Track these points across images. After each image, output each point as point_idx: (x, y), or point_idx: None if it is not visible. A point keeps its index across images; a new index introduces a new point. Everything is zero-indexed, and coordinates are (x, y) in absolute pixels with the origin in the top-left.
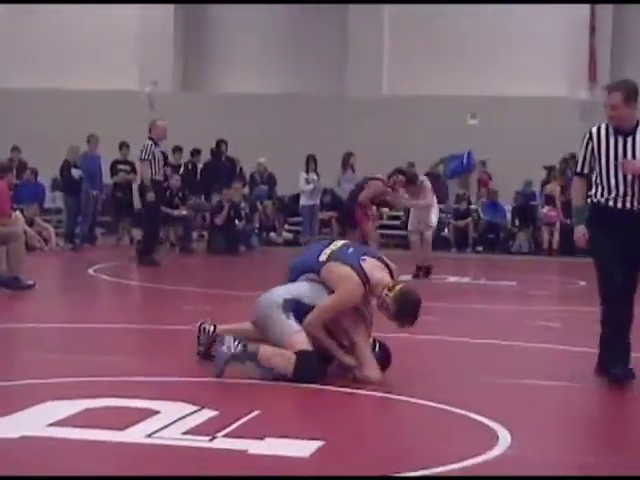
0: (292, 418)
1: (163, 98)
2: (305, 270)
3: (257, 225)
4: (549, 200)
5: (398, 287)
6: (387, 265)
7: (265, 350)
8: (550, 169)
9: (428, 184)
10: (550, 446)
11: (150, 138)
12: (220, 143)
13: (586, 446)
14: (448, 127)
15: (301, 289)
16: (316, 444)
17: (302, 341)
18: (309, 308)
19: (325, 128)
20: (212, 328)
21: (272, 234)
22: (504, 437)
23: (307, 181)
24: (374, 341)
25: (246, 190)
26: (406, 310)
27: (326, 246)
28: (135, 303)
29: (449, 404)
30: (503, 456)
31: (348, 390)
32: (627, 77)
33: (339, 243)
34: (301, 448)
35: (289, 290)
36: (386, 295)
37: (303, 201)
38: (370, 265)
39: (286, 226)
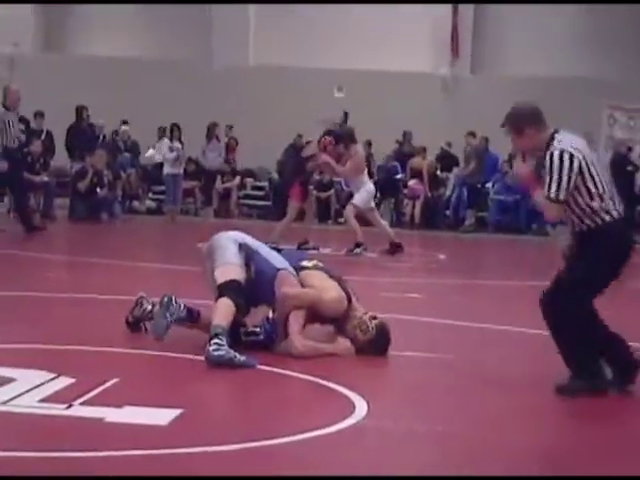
0: (152, 386)
1: (24, 59)
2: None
3: (120, 193)
4: (415, 173)
5: (380, 319)
6: (353, 290)
7: (219, 319)
8: (401, 144)
9: (358, 157)
10: (405, 416)
11: (2, 104)
12: (81, 109)
13: (441, 415)
14: (315, 99)
15: (262, 246)
16: (175, 412)
17: (234, 273)
18: (262, 262)
19: (191, 97)
20: (150, 307)
21: (135, 202)
22: (361, 407)
23: (171, 149)
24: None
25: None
26: (383, 342)
27: (307, 257)
28: None
29: (308, 374)
30: (357, 425)
31: None
32: (486, 56)
33: (320, 263)
34: (159, 416)
35: (251, 240)
36: (370, 320)
37: (167, 170)
38: (350, 290)
39: (150, 194)
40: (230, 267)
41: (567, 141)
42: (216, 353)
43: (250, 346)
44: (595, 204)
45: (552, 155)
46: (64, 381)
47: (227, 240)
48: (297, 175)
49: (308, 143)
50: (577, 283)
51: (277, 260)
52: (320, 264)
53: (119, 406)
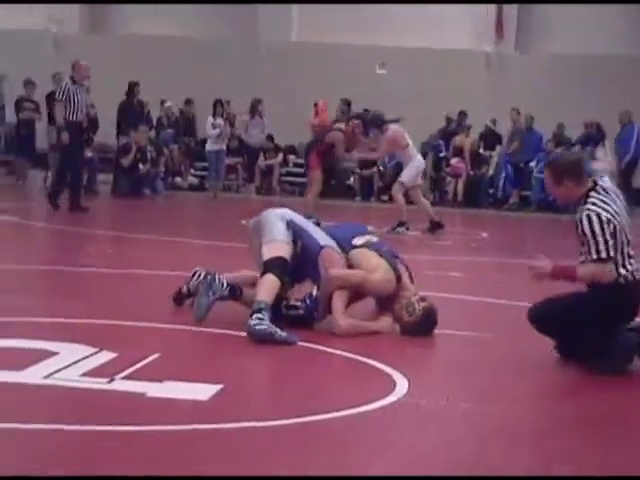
0: (193, 362)
1: (69, 39)
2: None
3: (163, 169)
4: (457, 152)
5: (429, 301)
6: (408, 270)
7: (264, 295)
8: (449, 121)
9: (390, 133)
10: (445, 394)
11: (71, 77)
12: (133, 85)
13: (479, 394)
14: (357, 75)
15: (308, 223)
16: (216, 387)
17: (281, 250)
18: (308, 238)
19: (234, 73)
20: (203, 274)
21: (178, 179)
22: (401, 384)
23: (214, 126)
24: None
25: (152, 133)
26: (428, 325)
27: (362, 233)
28: (36, 245)
29: (351, 352)
30: (398, 403)
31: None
32: (536, 43)
33: (374, 238)
34: (200, 391)
35: (298, 218)
36: (417, 302)
37: (209, 146)
38: (401, 269)
39: (192, 171)
40: (277, 244)
41: (600, 203)
42: (258, 327)
43: (290, 321)
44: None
45: (590, 219)
46: (106, 355)
47: (275, 217)
48: (314, 144)
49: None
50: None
51: (322, 237)
52: (373, 239)
53: (160, 381)
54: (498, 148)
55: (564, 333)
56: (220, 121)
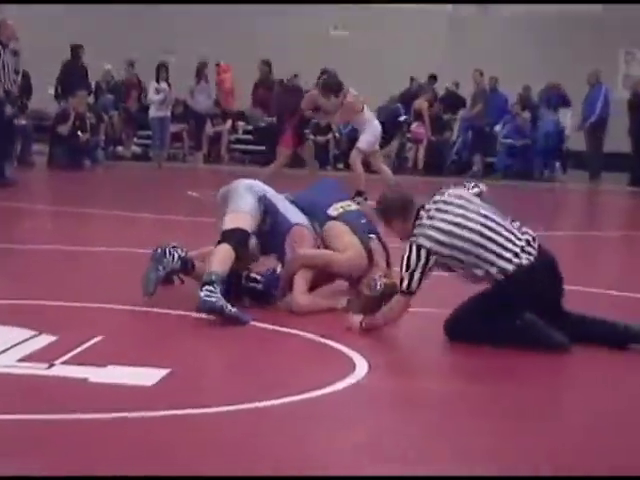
0: (138, 345)
1: None
2: (307, 213)
3: (103, 138)
4: (418, 116)
5: (391, 280)
6: (386, 249)
7: (216, 267)
8: (411, 80)
9: (350, 98)
10: (406, 374)
11: None
12: (76, 48)
13: (445, 373)
14: (311, 37)
15: (281, 199)
16: (163, 372)
17: (242, 221)
18: (279, 215)
19: (178, 35)
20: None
21: (119, 148)
22: (361, 366)
23: (157, 91)
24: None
25: (91, 99)
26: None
27: (337, 199)
28: None
29: (309, 332)
30: (357, 385)
31: (207, 317)
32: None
33: (352, 206)
34: (145, 377)
35: (271, 192)
36: (379, 278)
37: (153, 113)
38: (374, 245)
39: (135, 139)
40: (240, 215)
41: (426, 226)
42: (207, 299)
43: (249, 296)
44: (479, 272)
45: (410, 249)
46: (45, 339)
47: (244, 188)
48: (289, 119)
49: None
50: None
51: (295, 215)
52: (351, 208)
53: (103, 365)
54: (461, 111)
55: (480, 337)
56: (164, 85)
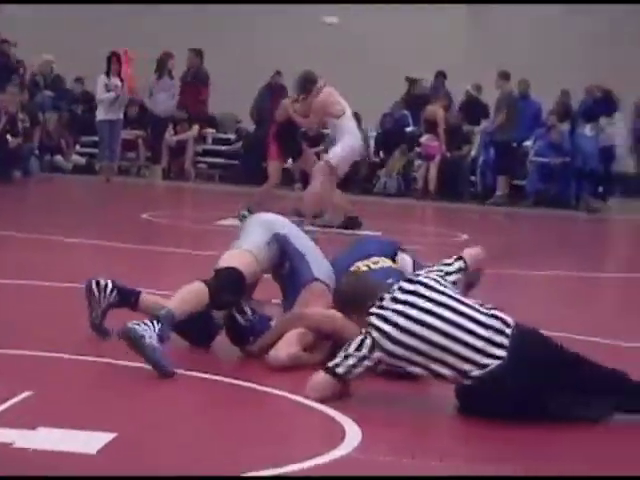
0: (76, 402)
1: None
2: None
3: (37, 144)
4: (429, 127)
5: None
6: None
7: (175, 305)
8: (412, 83)
9: (321, 97)
10: (405, 449)
11: None
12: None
13: (452, 448)
14: (299, 25)
15: (312, 249)
16: (107, 437)
17: (239, 261)
18: (301, 262)
19: (136, 21)
20: (110, 285)
21: (58, 157)
22: (353, 433)
23: (107, 88)
24: None
25: (25, 96)
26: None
27: (365, 256)
28: None
29: (285, 390)
30: (347, 458)
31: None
32: None
33: (380, 263)
34: (87, 442)
35: (298, 235)
36: None
37: (101, 115)
38: None
39: (77, 147)
40: (238, 252)
41: (377, 318)
42: (134, 327)
43: (227, 323)
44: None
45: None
46: None
47: (258, 224)
48: (271, 126)
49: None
50: None
51: (320, 268)
52: (377, 265)
53: (32, 427)
54: (484, 123)
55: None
56: (116, 81)
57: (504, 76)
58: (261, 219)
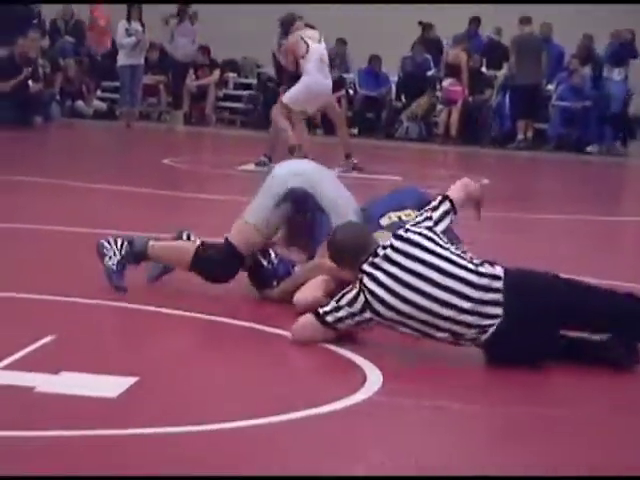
0: (98, 347)
1: None
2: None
3: (58, 90)
4: (452, 71)
5: None
6: None
7: (155, 246)
8: (426, 27)
9: (292, 39)
10: (427, 391)
11: None
12: None
13: (472, 389)
14: None
15: (339, 202)
16: (127, 381)
17: (241, 237)
18: (321, 217)
19: None
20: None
21: (79, 102)
22: (374, 378)
23: (128, 33)
24: None
25: (46, 42)
26: None
27: (398, 207)
28: None
29: None
30: (368, 401)
31: (185, 314)
32: None
33: (412, 215)
34: (107, 387)
35: (320, 186)
36: None
37: (122, 60)
38: None
39: (98, 92)
40: (240, 227)
41: (371, 278)
42: (104, 244)
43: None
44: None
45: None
46: None
47: (273, 181)
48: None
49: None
50: None
51: (342, 218)
52: (409, 217)
53: (55, 372)
54: (505, 66)
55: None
56: (137, 26)
57: (524, 21)
58: (276, 174)
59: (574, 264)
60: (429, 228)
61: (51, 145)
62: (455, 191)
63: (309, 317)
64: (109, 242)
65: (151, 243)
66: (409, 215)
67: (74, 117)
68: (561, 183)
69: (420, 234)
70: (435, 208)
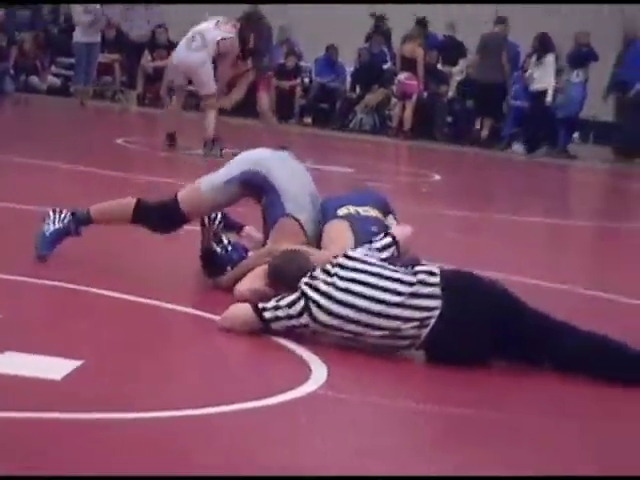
0: (44, 328)
1: None
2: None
3: (12, 64)
4: (407, 65)
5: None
6: None
7: (97, 207)
8: (379, 21)
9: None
10: (372, 387)
11: None
12: None
13: (419, 386)
14: None
15: (284, 180)
16: (72, 364)
17: (188, 196)
18: (274, 198)
19: None
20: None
21: (33, 78)
22: (319, 373)
23: (86, 9)
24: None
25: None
26: None
27: (357, 202)
28: None
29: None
30: (312, 395)
31: (134, 298)
32: None
33: (370, 212)
34: (52, 368)
35: (281, 171)
36: None
37: (78, 37)
38: None
39: (53, 68)
40: (191, 188)
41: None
42: (49, 211)
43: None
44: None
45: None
46: None
47: (233, 162)
48: None
49: None
50: None
51: (295, 205)
52: (361, 213)
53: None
54: (461, 63)
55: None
56: (95, 4)
57: (499, 20)
58: (239, 157)
59: (511, 264)
60: (368, 249)
61: (4, 120)
62: (399, 232)
63: (245, 307)
64: (54, 212)
65: (91, 207)
66: (367, 211)
67: (28, 92)
68: (512, 182)
69: (357, 251)
70: (377, 240)
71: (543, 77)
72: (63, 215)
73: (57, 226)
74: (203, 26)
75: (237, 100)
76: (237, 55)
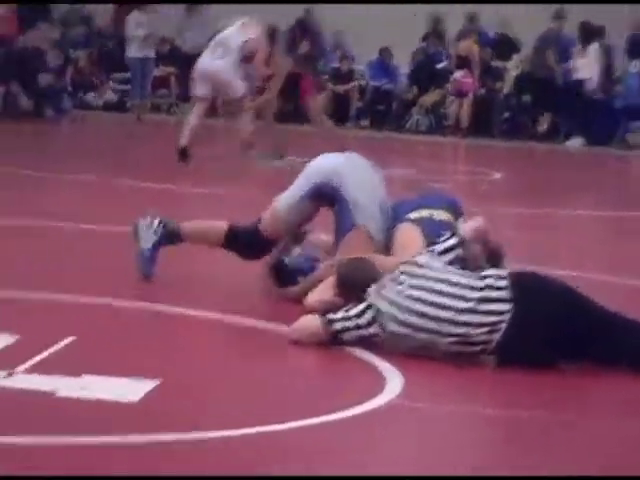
0: (119, 349)
1: None
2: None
3: (69, 81)
4: (463, 62)
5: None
6: None
7: (187, 226)
8: (436, 23)
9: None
10: (449, 396)
11: None
12: None
13: (497, 394)
14: None
15: (363, 195)
16: (149, 384)
17: (269, 222)
18: (344, 210)
19: None
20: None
21: (90, 94)
22: (394, 382)
23: (138, 24)
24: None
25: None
26: None
27: (429, 205)
28: None
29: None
30: (388, 405)
31: (206, 314)
32: None
33: (442, 215)
34: (129, 390)
35: (348, 180)
36: None
37: (132, 52)
38: None
39: (110, 84)
40: (277, 215)
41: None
42: (144, 222)
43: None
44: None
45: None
46: (3, 340)
47: (305, 174)
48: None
49: None
50: None
51: (362, 212)
52: (439, 217)
53: (76, 375)
54: (515, 58)
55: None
56: (147, 19)
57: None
58: (308, 169)
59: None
60: (431, 255)
61: (63, 138)
62: (469, 228)
63: (313, 319)
64: (146, 223)
65: (182, 224)
66: (440, 215)
67: (85, 109)
68: (569, 177)
69: (423, 257)
70: (442, 241)
71: (586, 66)
72: (155, 226)
73: (153, 240)
74: (226, 32)
75: (268, 100)
76: (267, 53)
